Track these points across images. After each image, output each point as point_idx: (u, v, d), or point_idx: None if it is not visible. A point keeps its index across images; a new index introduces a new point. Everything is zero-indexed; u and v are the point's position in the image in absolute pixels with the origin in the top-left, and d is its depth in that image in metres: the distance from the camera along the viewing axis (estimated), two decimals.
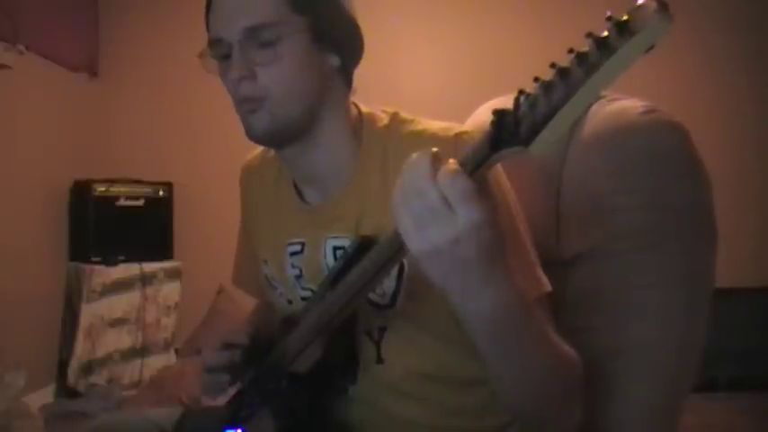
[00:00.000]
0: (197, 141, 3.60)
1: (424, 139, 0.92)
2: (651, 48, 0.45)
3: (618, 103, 0.99)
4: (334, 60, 0.93)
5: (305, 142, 0.93)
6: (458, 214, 0.58)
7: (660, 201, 0.95)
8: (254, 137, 0.92)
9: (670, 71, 2.97)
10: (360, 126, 0.97)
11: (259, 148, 1.15)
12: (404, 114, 0.98)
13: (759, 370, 3.14)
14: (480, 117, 1.16)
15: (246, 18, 0.87)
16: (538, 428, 0.86)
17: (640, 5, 0.45)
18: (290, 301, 1.03)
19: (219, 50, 0.90)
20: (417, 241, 0.61)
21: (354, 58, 0.97)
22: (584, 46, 0.47)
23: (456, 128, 0.92)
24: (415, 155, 0.62)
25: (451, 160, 0.60)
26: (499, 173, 0.88)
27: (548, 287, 0.86)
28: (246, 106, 0.90)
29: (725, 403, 2.94)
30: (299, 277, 1.01)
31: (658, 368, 0.94)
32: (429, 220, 0.60)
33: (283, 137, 0.92)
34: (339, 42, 0.93)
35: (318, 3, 0.90)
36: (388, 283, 0.90)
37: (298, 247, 1.00)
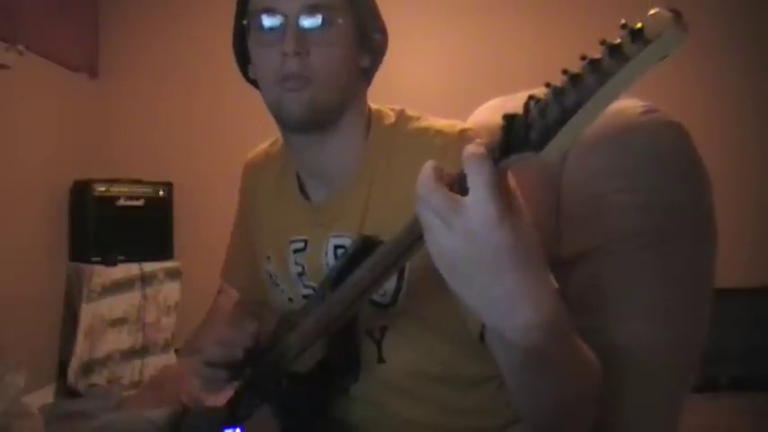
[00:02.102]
0: (197, 141, 3.60)
1: (429, 135, 0.92)
2: (665, 57, 0.44)
3: (618, 103, 0.98)
4: (365, 61, 0.96)
5: (325, 134, 0.94)
6: (469, 208, 0.54)
7: (660, 201, 0.95)
8: (290, 117, 0.91)
9: (669, 71, 2.98)
10: (368, 123, 0.98)
11: (262, 145, 1.15)
12: (410, 112, 0.99)
13: (760, 370, 3.14)
14: (480, 117, 1.16)
15: None
16: None
17: (654, 14, 0.44)
18: (290, 299, 1.04)
19: (268, 22, 0.90)
20: (432, 249, 0.56)
21: (379, 63, 0.99)
22: (592, 51, 0.46)
23: (460, 124, 0.93)
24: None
25: (477, 140, 0.56)
26: None
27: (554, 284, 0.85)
28: (290, 84, 0.89)
29: (725, 403, 2.94)
30: (301, 275, 1.01)
31: (659, 368, 0.94)
32: (438, 223, 0.56)
33: (315, 123, 0.91)
34: (374, 45, 0.96)
35: (365, 2, 0.94)
36: (390, 282, 0.90)
37: (301, 245, 1.00)
